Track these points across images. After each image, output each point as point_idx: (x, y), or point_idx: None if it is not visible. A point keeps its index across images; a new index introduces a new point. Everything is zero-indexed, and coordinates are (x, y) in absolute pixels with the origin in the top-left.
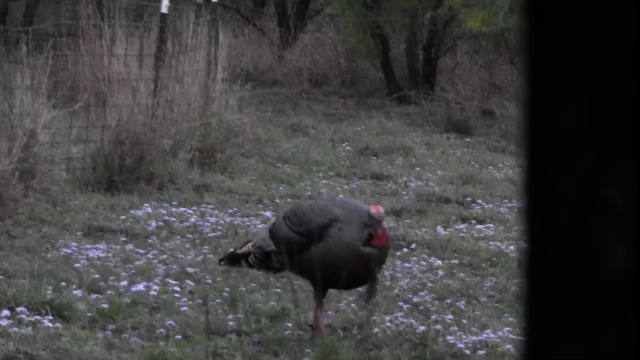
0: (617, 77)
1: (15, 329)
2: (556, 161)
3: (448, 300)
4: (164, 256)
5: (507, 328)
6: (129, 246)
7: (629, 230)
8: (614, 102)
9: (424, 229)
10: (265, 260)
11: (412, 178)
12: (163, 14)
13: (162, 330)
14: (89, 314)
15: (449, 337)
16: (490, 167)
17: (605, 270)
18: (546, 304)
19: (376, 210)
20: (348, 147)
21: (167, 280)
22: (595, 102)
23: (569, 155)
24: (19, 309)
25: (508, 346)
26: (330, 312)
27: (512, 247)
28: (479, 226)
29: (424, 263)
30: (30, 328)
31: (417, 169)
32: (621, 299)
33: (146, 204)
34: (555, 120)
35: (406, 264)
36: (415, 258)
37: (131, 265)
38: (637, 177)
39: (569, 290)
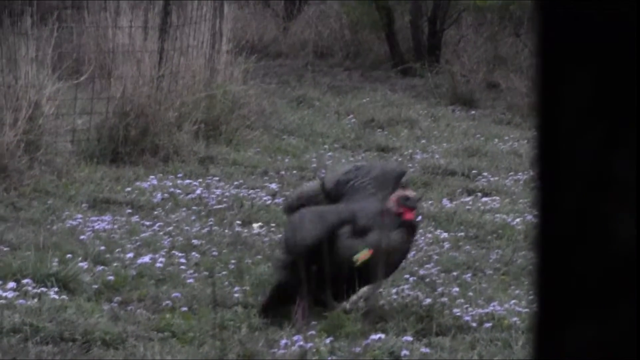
0: (627, 48)
1: (21, 301)
2: (567, 135)
3: (454, 273)
4: (170, 228)
5: (513, 300)
6: (135, 218)
7: (639, 204)
8: (624, 74)
9: (429, 202)
10: None
11: (418, 150)
12: None
13: (167, 302)
14: (95, 286)
15: (455, 310)
16: (496, 140)
17: (616, 245)
18: (557, 281)
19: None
20: (353, 120)
21: (173, 252)
22: (606, 73)
23: (580, 129)
24: (24, 281)
25: (514, 319)
26: None
27: (517, 220)
28: (484, 199)
29: (429, 236)
30: (35, 300)
31: (423, 141)
32: (632, 275)
33: (151, 176)
34: (565, 92)
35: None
36: (421, 231)
37: (137, 237)
38: None
39: (579, 266)
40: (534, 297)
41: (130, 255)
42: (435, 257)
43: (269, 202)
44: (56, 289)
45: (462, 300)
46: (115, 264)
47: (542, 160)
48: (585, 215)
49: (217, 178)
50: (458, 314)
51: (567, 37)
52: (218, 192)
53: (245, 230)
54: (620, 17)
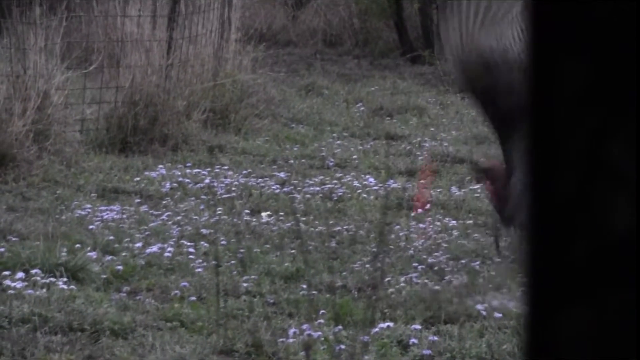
0: (622, 33)
1: (30, 291)
2: (560, 121)
3: (463, 261)
4: (179, 217)
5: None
6: (143, 207)
7: (634, 191)
8: (618, 61)
9: (438, 190)
10: None
11: (426, 138)
12: None
13: (176, 291)
14: (104, 276)
15: (464, 297)
16: None
17: (609, 232)
18: (549, 268)
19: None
20: (362, 108)
21: (182, 241)
22: (600, 60)
23: (573, 115)
24: (33, 271)
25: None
26: (344, 272)
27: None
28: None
29: (438, 224)
30: (44, 290)
31: (431, 129)
32: (626, 263)
33: (160, 165)
34: (558, 78)
35: (421, 225)
36: (429, 219)
37: (145, 227)
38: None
39: (572, 253)
40: (525, 286)
41: (139, 244)
42: (444, 245)
43: (277, 190)
44: (65, 279)
45: (474, 288)
46: (124, 254)
47: (534, 148)
48: (579, 205)
49: (225, 167)
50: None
51: (559, 26)
52: (227, 181)
53: (254, 219)
54: (614, 6)
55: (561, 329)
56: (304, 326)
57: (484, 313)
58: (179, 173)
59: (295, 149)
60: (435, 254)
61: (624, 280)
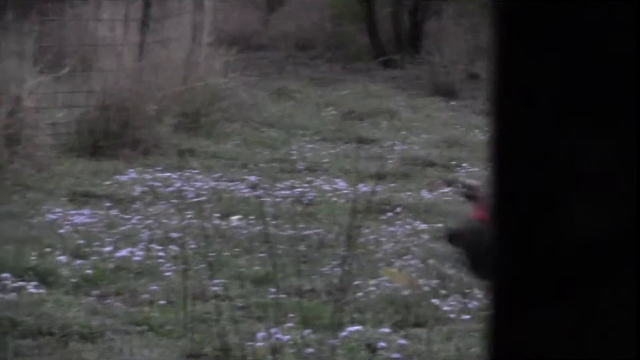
0: (593, 36)
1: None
2: (522, 120)
3: (432, 264)
4: (149, 221)
5: None
6: (114, 211)
7: (596, 193)
8: (579, 59)
9: (408, 193)
10: None
11: (397, 142)
12: None
13: (145, 295)
14: (73, 280)
15: (433, 300)
16: (476, 131)
17: (571, 234)
18: (512, 270)
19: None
20: (333, 111)
21: (151, 245)
22: (562, 58)
23: (536, 117)
24: (3, 275)
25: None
26: (313, 276)
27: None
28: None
29: (408, 227)
30: (14, 294)
31: (403, 132)
32: (590, 264)
33: (131, 169)
34: (519, 76)
35: (391, 228)
36: (399, 222)
37: (115, 231)
38: (607, 137)
39: (535, 255)
40: (489, 287)
41: (109, 248)
42: (414, 248)
43: (247, 194)
44: (35, 283)
45: (442, 292)
46: (93, 258)
47: (498, 149)
48: (541, 207)
49: (196, 171)
50: (437, 304)
51: (526, 24)
52: (197, 184)
53: (224, 223)
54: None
55: (524, 329)
56: (273, 330)
57: (452, 316)
58: (150, 177)
59: (266, 152)
60: (405, 257)
61: (585, 281)
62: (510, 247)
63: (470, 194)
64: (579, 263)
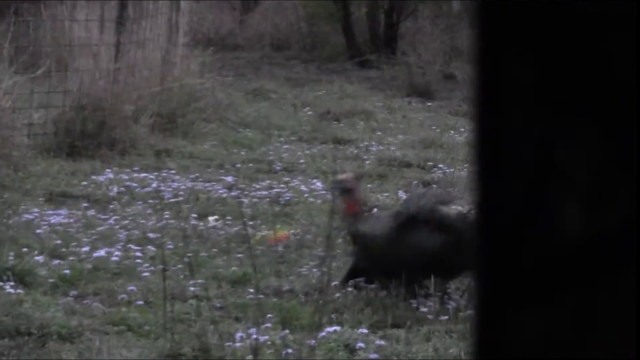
0: (572, 35)
1: None
2: (508, 124)
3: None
4: (126, 222)
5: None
6: (91, 212)
7: (585, 195)
8: (568, 62)
9: (385, 194)
10: None
11: (373, 142)
12: None
13: (123, 295)
14: (51, 280)
15: (411, 301)
16: (452, 131)
17: (558, 236)
18: (499, 274)
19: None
20: (309, 112)
21: (129, 245)
22: (549, 61)
23: (523, 118)
24: None
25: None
26: (291, 277)
27: (473, 212)
28: (440, 190)
29: None
30: None
31: (379, 133)
32: (577, 266)
33: (108, 170)
34: (506, 80)
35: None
36: None
37: (93, 231)
38: (593, 139)
39: (521, 257)
40: (475, 288)
41: (86, 249)
42: None
43: (225, 195)
44: (12, 283)
45: (420, 292)
46: (71, 258)
47: (481, 151)
48: (527, 208)
49: (173, 171)
50: (415, 305)
51: (509, 22)
52: (174, 185)
53: (201, 224)
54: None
55: (509, 331)
56: (251, 330)
57: (430, 317)
58: (127, 177)
59: (243, 153)
60: None
61: (572, 283)
62: (500, 250)
63: (344, 189)
64: (570, 265)
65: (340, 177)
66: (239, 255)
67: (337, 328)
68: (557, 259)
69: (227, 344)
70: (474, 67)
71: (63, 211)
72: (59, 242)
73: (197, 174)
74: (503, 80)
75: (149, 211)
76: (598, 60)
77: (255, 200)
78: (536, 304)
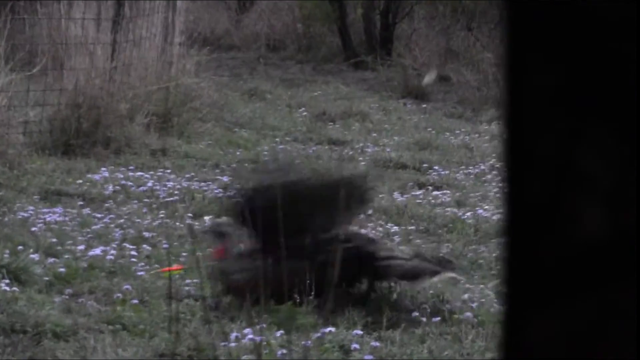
0: (593, 38)
1: None
2: (534, 126)
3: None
4: (121, 220)
5: (466, 295)
6: (86, 210)
7: (605, 196)
8: (590, 65)
9: (380, 195)
10: None
11: (369, 144)
12: None
13: (119, 294)
14: (46, 278)
15: (405, 303)
16: (447, 133)
17: (583, 237)
18: (523, 273)
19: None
20: (305, 113)
21: (124, 244)
22: (572, 65)
23: (544, 120)
24: None
25: (468, 314)
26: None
27: (468, 214)
28: (435, 192)
29: (380, 229)
30: None
31: (374, 134)
32: (598, 267)
33: (103, 168)
34: (529, 83)
35: (363, 231)
36: (371, 224)
37: (88, 230)
38: (613, 141)
39: (545, 258)
40: (503, 289)
41: (82, 247)
42: None
43: (220, 194)
44: (7, 281)
45: (413, 294)
46: (66, 256)
47: (510, 151)
48: (552, 208)
49: (168, 170)
50: (409, 307)
51: (535, 26)
52: (170, 184)
53: (197, 223)
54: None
55: (535, 330)
56: (247, 330)
57: (424, 319)
58: (122, 176)
59: (238, 153)
60: None
61: (595, 283)
62: (521, 249)
63: (219, 232)
64: (587, 266)
65: (219, 221)
66: None
67: (333, 329)
68: (579, 257)
69: (223, 343)
70: (504, 73)
71: (58, 209)
72: (54, 240)
73: (192, 174)
74: (525, 82)
75: (144, 210)
76: (618, 62)
77: None
78: (558, 304)
